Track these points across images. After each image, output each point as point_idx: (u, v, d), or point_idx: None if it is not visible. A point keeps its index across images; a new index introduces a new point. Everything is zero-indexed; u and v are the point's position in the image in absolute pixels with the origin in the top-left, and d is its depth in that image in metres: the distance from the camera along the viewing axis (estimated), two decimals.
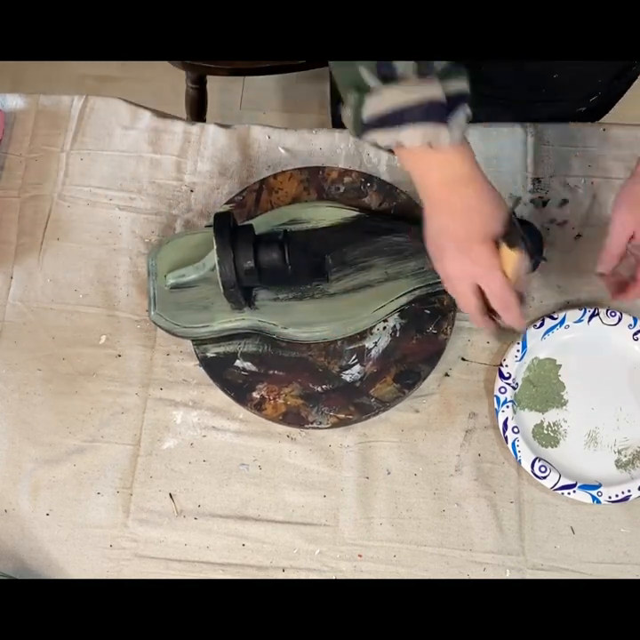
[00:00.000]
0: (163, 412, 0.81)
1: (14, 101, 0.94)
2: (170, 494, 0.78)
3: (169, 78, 1.44)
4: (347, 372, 0.79)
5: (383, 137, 0.61)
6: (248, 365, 0.79)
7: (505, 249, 0.66)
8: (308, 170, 0.85)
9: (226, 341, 0.79)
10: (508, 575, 0.75)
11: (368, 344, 0.79)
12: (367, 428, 0.79)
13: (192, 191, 0.89)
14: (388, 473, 0.78)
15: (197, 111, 1.37)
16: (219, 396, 0.80)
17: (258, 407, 0.78)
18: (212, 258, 0.74)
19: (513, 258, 0.66)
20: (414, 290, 0.78)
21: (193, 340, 0.79)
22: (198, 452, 0.79)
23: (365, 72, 0.59)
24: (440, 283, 0.75)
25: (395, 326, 0.79)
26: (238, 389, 0.78)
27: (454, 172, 0.64)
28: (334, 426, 0.77)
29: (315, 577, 0.75)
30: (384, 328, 0.79)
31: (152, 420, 0.80)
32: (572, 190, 0.86)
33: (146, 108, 0.94)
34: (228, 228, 0.72)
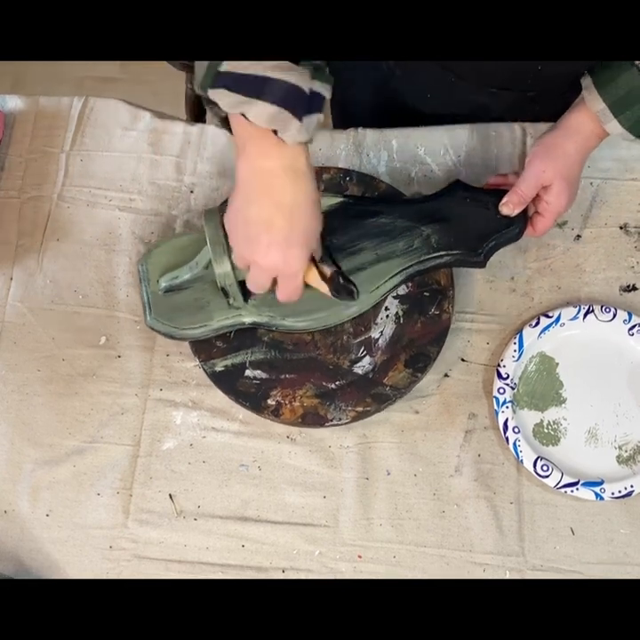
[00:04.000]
0: (162, 413, 0.81)
1: (14, 102, 0.94)
2: (170, 495, 0.78)
3: (169, 79, 1.44)
4: (357, 365, 0.79)
5: (230, 99, 0.57)
6: (258, 373, 0.79)
7: (317, 265, 0.70)
8: None
9: (232, 353, 0.79)
10: (507, 576, 0.75)
11: (374, 334, 0.79)
12: (367, 428, 0.79)
13: (192, 192, 0.89)
14: (388, 474, 0.78)
15: (197, 112, 1.37)
16: (218, 397, 0.80)
17: (275, 413, 0.77)
18: (205, 256, 0.74)
19: (318, 275, 0.71)
20: (406, 268, 0.78)
21: (199, 357, 0.79)
22: (198, 452, 0.79)
23: None
24: (433, 258, 0.77)
25: (397, 313, 0.80)
26: (253, 399, 0.78)
27: (293, 164, 0.61)
28: (354, 419, 0.77)
29: (314, 578, 0.75)
30: (387, 316, 0.79)
31: (152, 420, 0.80)
32: None
33: (146, 108, 0.94)
34: (219, 223, 0.72)
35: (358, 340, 0.79)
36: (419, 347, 0.78)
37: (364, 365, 0.79)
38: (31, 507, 0.78)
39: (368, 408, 0.77)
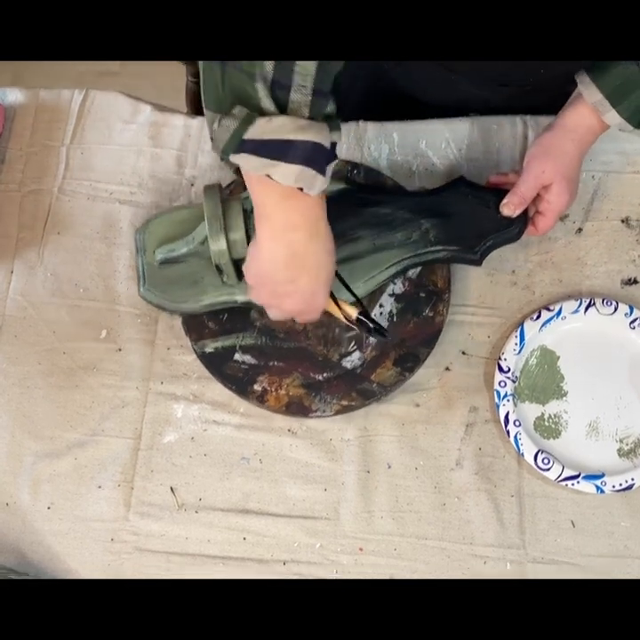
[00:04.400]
0: (163, 406, 0.81)
1: (14, 96, 0.93)
2: (171, 488, 0.78)
3: (169, 72, 1.43)
4: (347, 359, 0.79)
5: (254, 163, 0.58)
6: (247, 358, 0.79)
7: (339, 306, 0.72)
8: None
9: (223, 336, 0.79)
10: (508, 568, 0.75)
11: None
12: (368, 421, 0.79)
13: (192, 185, 0.89)
14: (389, 467, 0.78)
15: (198, 105, 1.36)
16: (219, 390, 0.80)
17: (260, 399, 0.78)
18: (202, 231, 0.74)
19: (335, 306, 0.72)
20: (402, 260, 0.78)
21: (191, 337, 0.79)
22: (199, 445, 0.79)
23: (262, 89, 0.56)
24: (429, 253, 0.78)
25: (391, 311, 0.80)
26: (239, 383, 0.78)
27: (315, 223, 0.65)
28: (338, 413, 0.77)
29: (315, 570, 0.75)
30: (381, 313, 0.80)
31: (153, 413, 0.80)
32: None
33: (146, 101, 0.93)
34: (218, 200, 0.72)
35: (350, 335, 0.79)
36: (409, 347, 0.78)
37: (353, 360, 0.79)
38: (32, 499, 0.78)
39: (353, 402, 0.77)
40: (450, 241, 0.78)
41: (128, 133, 0.91)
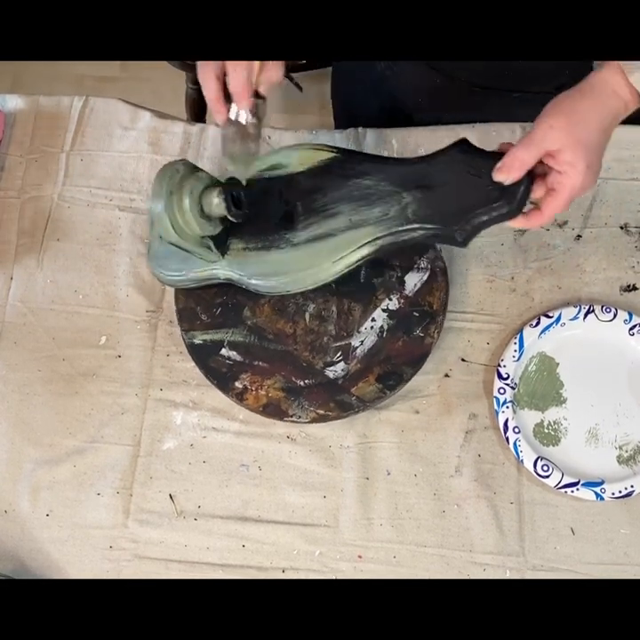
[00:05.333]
0: (163, 413, 0.81)
1: (14, 102, 0.94)
2: (170, 495, 0.78)
3: (169, 79, 1.44)
4: (330, 368, 0.79)
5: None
6: (233, 354, 0.79)
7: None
8: None
9: (214, 329, 0.80)
10: (508, 576, 0.75)
11: (354, 342, 0.79)
12: (367, 428, 0.79)
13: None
14: (388, 474, 0.78)
15: (197, 112, 1.37)
16: (219, 397, 0.80)
17: (239, 397, 0.78)
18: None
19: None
20: (377, 239, 0.71)
21: (182, 327, 0.80)
22: (198, 452, 0.79)
23: None
24: (405, 231, 0.70)
25: (382, 326, 0.79)
26: (221, 378, 0.79)
27: None
28: (314, 421, 0.77)
29: (315, 577, 0.75)
30: (371, 327, 0.79)
31: (152, 420, 0.80)
32: None
33: (146, 108, 0.94)
34: (176, 177, 0.72)
35: (337, 345, 0.79)
36: (394, 365, 0.78)
37: (336, 370, 0.79)
38: (31, 506, 0.78)
39: (329, 412, 0.77)
40: (428, 218, 0.69)
41: (128, 140, 0.91)
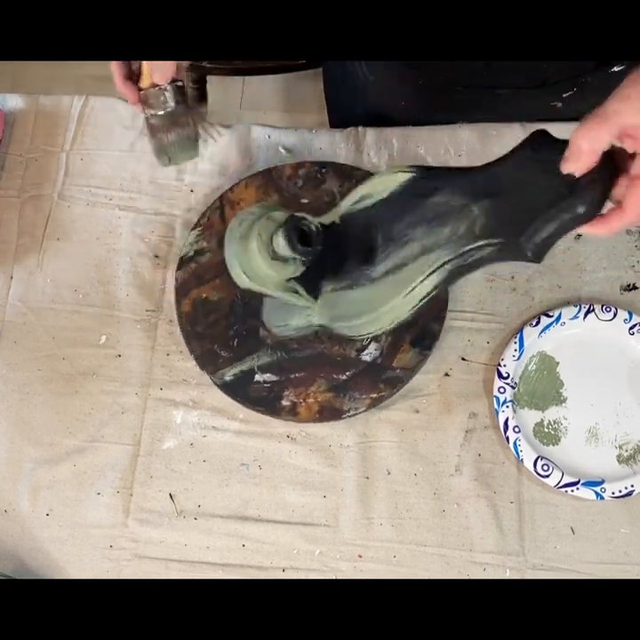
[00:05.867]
0: (163, 412, 0.81)
1: (14, 101, 0.94)
2: (170, 494, 0.78)
3: None
4: (364, 352, 0.79)
5: None
6: (268, 377, 0.79)
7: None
8: (261, 174, 0.85)
9: (238, 361, 0.79)
10: (508, 575, 0.75)
11: None
12: (367, 427, 0.79)
13: (192, 191, 0.89)
14: (388, 473, 0.78)
15: None
16: (218, 396, 0.80)
17: (292, 413, 0.77)
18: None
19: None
20: (445, 263, 0.62)
21: (207, 371, 0.78)
22: (198, 451, 0.79)
23: None
24: (473, 251, 0.60)
25: None
26: (267, 402, 0.78)
27: None
28: (370, 406, 0.77)
29: (315, 577, 0.75)
30: None
31: (152, 419, 0.80)
32: None
33: None
34: (247, 220, 0.69)
35: None
36: (421, 326, 0.78)
37: (371, 352, 0.79)
38: (31, 506, 0.78)
39: (382, 393, 0.77)
40: (495, 230, 0.58)
41: (128, 139, 0.91)
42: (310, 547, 0.76)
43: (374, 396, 0.77)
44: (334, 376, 0.78)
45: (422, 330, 0.78)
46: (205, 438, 0.80)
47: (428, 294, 0.65)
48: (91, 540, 0.77)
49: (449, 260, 0.62)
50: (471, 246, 0.60)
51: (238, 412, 0.80)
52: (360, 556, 0.76)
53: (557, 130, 0.60)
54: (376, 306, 0.67)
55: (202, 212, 0.85)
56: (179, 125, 0.78)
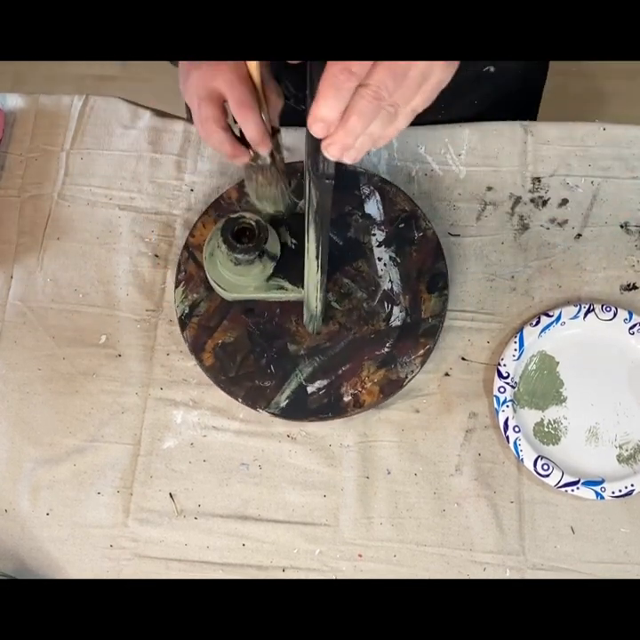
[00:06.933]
0: (163, 412, 0.81)
1: (14, 101, 0.94)
2: (170, 494, 0.78)
3: (169, 78, 1.43)
4: (392, 319, 0.80)
5: None
6: (318, 383, 0.79)
7: None
8: (211, 207, 0.84)
9: (284, 383, 0.78)
10: (508, 575, 0.75)
11: (385, 285, 0.80)
12: (367, 427, 0.79)
13: (192, 190, 0.89)
14: (389, 473, 0.78)
15: None
16: (219, 396, 0.80)
17: (358, 405, 0.78)
18: None
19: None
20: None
21: (260, 407, 0.78)
22: (198, 451, 0.79)
23: None
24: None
25: (391, 256, 0.81)
26: (330, 408, 0.78)
27: None
28: (423, 362, 0.78)
29: (315, 577, 0.75)
30: (385, 264, 0.81)
31: (152, 419, 0.80)
32: (571, 190, 0.86)
33: (146, 107, 0.94)
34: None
35: (377, 299, 0.80)
36: (429, 272, 0.80)
37: (397, 316, 0.80)
38: (31, 505, 0.78)
39: (428, 345, 0.79)
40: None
41: (128, 139, 0.91)
42: (310, 546, 0.76)
43: (421, 352, 0.79)
44: (377, 353, 0.79)
45: (432, 275, 0.80)
46: (205, 438, 0.80)
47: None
48: (91, 539, 0.77)
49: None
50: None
51: (238, 411, 0.80)
52: (360, 556, 0.76)
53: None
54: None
55: (202, 211, 0.85)
56: (278, 174, 0.72)
